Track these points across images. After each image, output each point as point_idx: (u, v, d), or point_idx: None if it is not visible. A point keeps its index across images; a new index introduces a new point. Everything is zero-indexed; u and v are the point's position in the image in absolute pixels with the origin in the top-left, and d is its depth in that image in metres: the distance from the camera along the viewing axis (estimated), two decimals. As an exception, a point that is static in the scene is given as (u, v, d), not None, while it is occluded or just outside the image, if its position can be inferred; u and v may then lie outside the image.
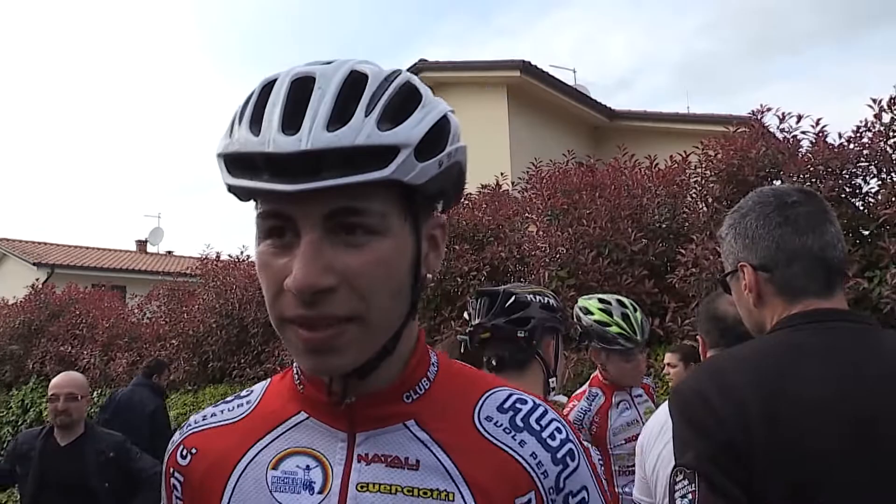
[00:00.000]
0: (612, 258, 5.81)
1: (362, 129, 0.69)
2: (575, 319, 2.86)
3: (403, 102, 0.73)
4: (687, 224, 5.87)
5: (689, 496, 1.17)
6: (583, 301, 2.92)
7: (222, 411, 0.90)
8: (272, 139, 0.69)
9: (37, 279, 15.61)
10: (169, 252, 26.20)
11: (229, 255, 10.37)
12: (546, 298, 1.92)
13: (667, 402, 1.45)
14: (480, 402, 0.84)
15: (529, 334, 1.84)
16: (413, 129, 0.72)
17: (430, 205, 0.80)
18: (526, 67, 12.01)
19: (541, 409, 0.85)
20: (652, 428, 2.25)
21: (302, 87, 0.72)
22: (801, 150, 5.41)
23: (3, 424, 12.40)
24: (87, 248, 24.25)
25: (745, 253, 1.38)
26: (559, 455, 0.81)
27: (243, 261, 9.98)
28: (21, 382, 12.19)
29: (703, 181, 5.85)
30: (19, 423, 11.34)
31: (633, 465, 2.50)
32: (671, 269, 5.53)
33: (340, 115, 0.70)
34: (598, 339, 2.79)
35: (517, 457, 0.80)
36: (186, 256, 21.79)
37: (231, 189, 0.74)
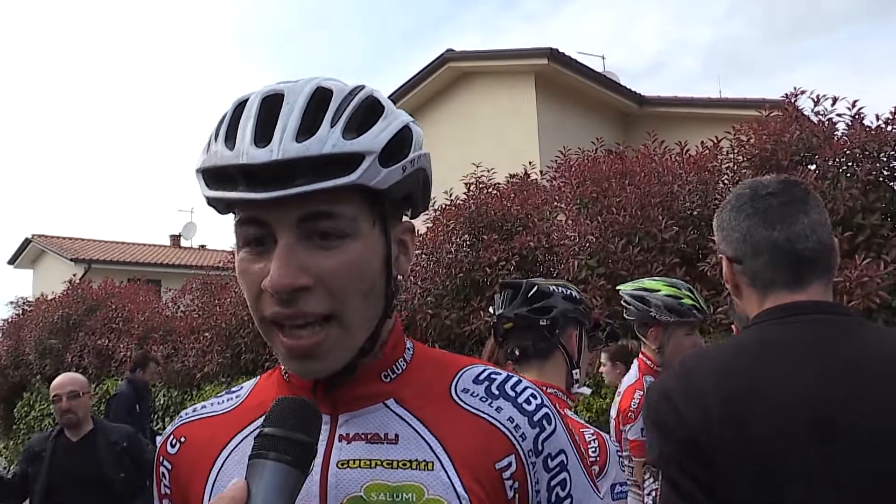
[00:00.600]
0: (643, 246, 5.74)
1: (328, 139, 0.75)
2: (636, 304, 2.88)
3: (366, 114, 0.79)
4: (719, 211, 5.78)
5: (653, 493, 1.20)
6: (634, 285, 2.96)
7: (213, 404, 0.95)
8: (245, 151, 0.74)
9: (74, 274, 15.94)
10: (202, 246, 26.57)
11: (260, 248, 10.47)
12: (569, 290, 1.92)
13: None
14: (457, 377, 0.88)
15: (552, 323, 1.84)
16: (376, 137, 0.78)
17: (397, 210, 0.85)
18: (554, 55, 11.90)
19: (515, 379, 0.88)
20: None
21: (272, 104, 0.77)
22: (836, 133, 5.28)
23: (45, 416, 12.71)
24: (123, 243, 24.69)
25: (723, 245, 1.39)
26: (535, 418, 0.84)
27: (274, 254, 10.07)
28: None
29: (736, 167, 5.74)
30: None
31: None
32: (703, 257, 5.44)
33: (308, 127, 0.75)
34: (670, 311, 2.82)
35: (494, 422, 0.83)
36: (219, 250, 22.10)
37: (210, 202, 0.79)
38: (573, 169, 6.82)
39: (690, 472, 1.16)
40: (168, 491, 0.91)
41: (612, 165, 6.51)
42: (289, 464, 0.68)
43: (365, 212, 0.79)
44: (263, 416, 0.88)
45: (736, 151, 5.72)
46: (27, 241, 23.59)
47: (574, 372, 1.89)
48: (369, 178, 0.76)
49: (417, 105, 13.38)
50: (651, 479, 1.24)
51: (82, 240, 23.89)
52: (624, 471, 3.02)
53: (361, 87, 0.81)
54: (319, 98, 0.78)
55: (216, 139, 0.78)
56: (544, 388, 1.77)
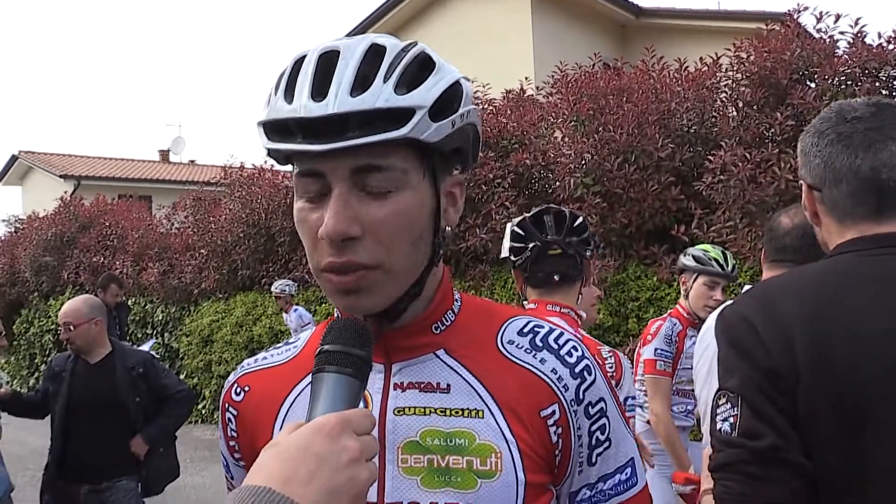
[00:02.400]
0: (639, 165, 5.74)
1: (381, 94, 0.78)
2: (681, 257, 3.36)
3: (418, 70, 0.82)
4: (716, 129, 5.76)
5: (731, 420, 1.18)
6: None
7: (272, 355, 1.01)
8: (303, 105, 0.78)
9: (65, 192, 15.83)
10: (192, 161, 26.32)
11: (253, 165, 10.40)
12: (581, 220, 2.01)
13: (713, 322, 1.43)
14: (502, 329, 0.93)
15: (591, 254, 1.97)
16: (427, 92, 0.81)
17: (447, 163, 0.88)
18: (550, -37, 11.54)
19: (557, 331, 0.93)
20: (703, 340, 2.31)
21: (328, 60, 0.81)
22: (837, 51, 5.22)
23: (44, 332, 12.89)
24: (111, 158, 24.43)
25: (803, 170, 1.33)
26: (577, 370, 0.89)
27: (267, 170, 10.01)
28: (58, 293, 12.57)
29: (734, 84, 5.69)
30: (58, 332, 11.75)
31: (689, 389, 3.19)
32: (698, 176, 5.47)
33: (362, 82, 0.79)
34: (694, 259, 3.23)
35: (539, 373, 0.88)
36: (209, 165, 21.91)
37: (270, 153, 0.84)
38: (570, 85, 6.72)
39: (774, 399, 1.15)
40: (235, 434, 0.98)
41: (610, 82, 6.43)
42: (349, 375, 0.73)
43: (415, 164, 0.82)
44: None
45: (735, 69, 5.65)
46: (14, 158, 23.29)
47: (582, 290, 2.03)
48: (420, 132, 0.79)
49: (410, 15, 13.02)
50: (728, 405, 1.24)
51: (70, 156, 23.60)
52: (637, 395, 3.31)
53: (414, 44, 0.85)
54: (373, 54, 0.81)
55: (276, 93, 0.82)
56: (566, 311, 1.93)
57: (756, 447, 1.13)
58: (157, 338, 10.67)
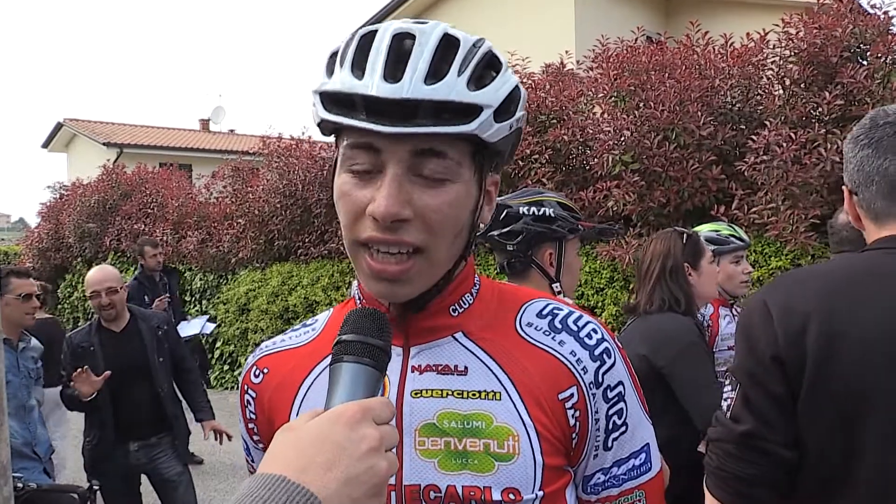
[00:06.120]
0: (679, 143, 5.63)
1: (455, 87, 0.79)
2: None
3: (487, 68, 0.83)
4: (760, 108, 5.61)
5: (729, 401, 1.25)
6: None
7: (291, 337, 1.01)
8: (375, 84, 0.78)
9: (108, 159, 16.12)
10: (231, 131, 26.58)
11: (291, 137, 10.46)
12: (543, 209, 1.94)
13: None
14: (521, 311, 0.93)
15: (520, 246, 1.92)
16: (495, 92, 0.82)
17: (493, 162, 0.89)
18: (594, -65, 11.28)
19: (577, 314, 0.93)
20: None
21: (401, 42, 0.80)
22: (892, 28, 5.04)
23: (87, 298, 13.20)
24: (153, 127, 24.79)
25: (845, 175, 1.38)
26: (596, 353, 0.89)
27: (304, 141, 10.08)
28: (100, 258, 12.85)
29: (782, 62, 5.53)
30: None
31: (722, 370, 3.10)
32: (741, 156, 5.35)
33: (435, 71, 0.79)
34: (710, 242, 3.14)
35: (558, 356, 0.88)
36: (249, 135, 22.12)
37: (323, 122, 0.83)
38: (611, 60, 6.60)
39: (769, 388, 1.19)
40: (254, 416, 0.99)
41: (652, 57, 6.29)
42: (367, 365, 0.72)
43: (468, 159, 0.83)
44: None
45: (783, 45, 5.49)
46: (59, 126, 23.76)
47: (554, 285, 1.96)
48: (483, 130, 0.80)
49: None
50: (730, 388, 1.30)
51: (113, 124, 24.02)
52: None
53: (483, 40, 0.86)
54: (447, 45, 0.81)
55: (341, 65, 0.81)
56: None
57: (734, 430, 1.23)
58: (206, 313, 10.67)
